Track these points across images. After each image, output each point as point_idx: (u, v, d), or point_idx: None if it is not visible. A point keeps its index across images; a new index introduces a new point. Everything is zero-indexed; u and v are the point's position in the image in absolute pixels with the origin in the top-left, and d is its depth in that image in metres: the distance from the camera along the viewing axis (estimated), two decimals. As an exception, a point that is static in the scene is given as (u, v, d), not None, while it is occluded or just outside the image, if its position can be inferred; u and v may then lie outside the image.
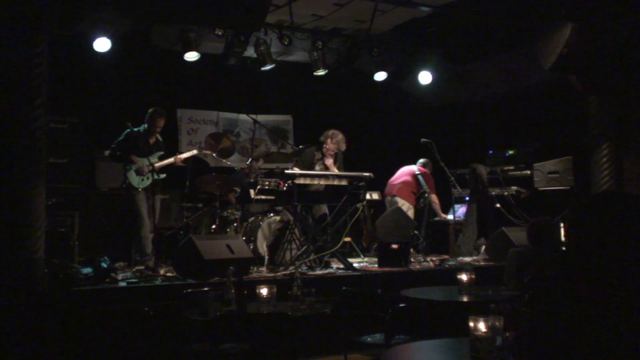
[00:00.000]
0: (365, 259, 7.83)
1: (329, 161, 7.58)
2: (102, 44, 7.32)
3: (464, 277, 4.32)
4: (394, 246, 6.83)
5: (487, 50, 9.03)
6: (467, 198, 8.84)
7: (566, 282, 1.74)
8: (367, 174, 7.01)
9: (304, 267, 6.60)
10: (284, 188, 6.91)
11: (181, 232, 7.34)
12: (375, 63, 9.07)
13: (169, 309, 4.86)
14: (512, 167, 8.70)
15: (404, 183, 8.33)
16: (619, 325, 1.57)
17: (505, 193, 8.33)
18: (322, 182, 6.92)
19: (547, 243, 4.59)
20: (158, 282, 5.71)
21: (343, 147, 7.59)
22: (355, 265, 6.92)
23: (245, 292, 4.06)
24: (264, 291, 3.93)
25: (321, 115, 10.10)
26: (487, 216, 8.43)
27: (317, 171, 7.37)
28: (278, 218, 7.35)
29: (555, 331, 1.64)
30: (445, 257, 7.86)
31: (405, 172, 8.47)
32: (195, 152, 7.49)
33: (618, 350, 1.54)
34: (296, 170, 6.93)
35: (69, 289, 5.15)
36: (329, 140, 7.56)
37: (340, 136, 7.55)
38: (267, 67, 8.55)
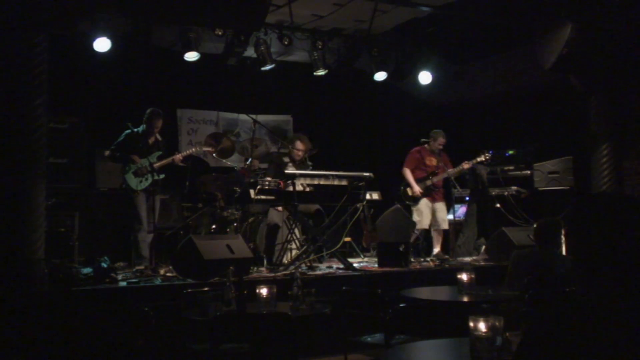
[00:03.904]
0: (365, 259, 7.83)
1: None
2: (102, 44, 7.32)
3: (464, 277, 4.32)
4: (401, 248, 6.82)
5: (487, 50, 9.03)
6: (467, 198, 8.84)
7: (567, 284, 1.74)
8: (367, 174, 7.01)
9: (304, 267, 6.60)
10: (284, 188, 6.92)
11: (181, 232, 7.33)
12: (375, 63, 9.07)
13: (169, 309, 4.86)
14: (512, 167, 8.70)
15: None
16: (619, 326, 1.57)
17: (505, 193, 8.33)
18: (322, 182, 6.92)
19: (554, 244, 4.59)
20: (158, 282, 5.71)
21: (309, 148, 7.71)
22: (355, 265, 6.91)
23: (245, 292, 4.05)
24: (264, 291, 3.92)
25: (321, 115, 10.11)
26: (487, 216, 8.42)
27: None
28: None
29: (555, 333, 1.64)
30: (446, 257, 7.86)
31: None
32: (193, 149, 7.48)
33: (618, 351, 1.54)
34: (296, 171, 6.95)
35: (69, 289, 5.15)
36: (298, 143, 7.63)
37: (306, 138, 7.69)
38: (267, 67, 8.55)
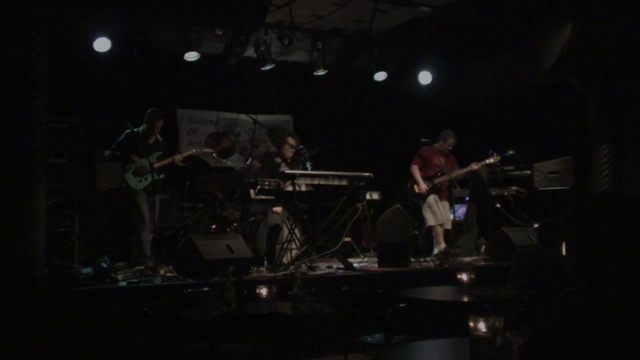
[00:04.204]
0: (365, 259, 7.83)
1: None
2: (102, 44, 7.32)
3: (464, 277, 4.32)
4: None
5: (487, 50, 9.03)
6: (467, 198, 8.83)
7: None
8: (367, 174, 7.01)
9: (304, 267, 6.60)
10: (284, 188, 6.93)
11: (181, 232, 7.33)
12: (375, 63, 9.08)
13: (169, 309, 4.86)
14: (512, 167, 8.69)
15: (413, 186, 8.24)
16: (620, 325, 1.57)
17: (505, 193, 8.32)
18: (322, 182, 6.93)
19: (556, 245, 4.59)
20: (158, 282, 5.71)
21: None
22: (355, 265, 6.91)
23: (245, 292, 4.05)
24: (264, 291, 3.92)
25: (321, 115, 10.11)
26: (487, 216, 8.42)
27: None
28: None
29: (559, 333, 1.64)
30: (449, 250, 7.85)
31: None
32: (193, 150, 7.49)
33: (620, 350, 1.54)
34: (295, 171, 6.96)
35: (69, 289, 5.15)
36: (290, 139, 7.66)
37: (295, 135, 7.79)
38: (267, 67, 8.55)
